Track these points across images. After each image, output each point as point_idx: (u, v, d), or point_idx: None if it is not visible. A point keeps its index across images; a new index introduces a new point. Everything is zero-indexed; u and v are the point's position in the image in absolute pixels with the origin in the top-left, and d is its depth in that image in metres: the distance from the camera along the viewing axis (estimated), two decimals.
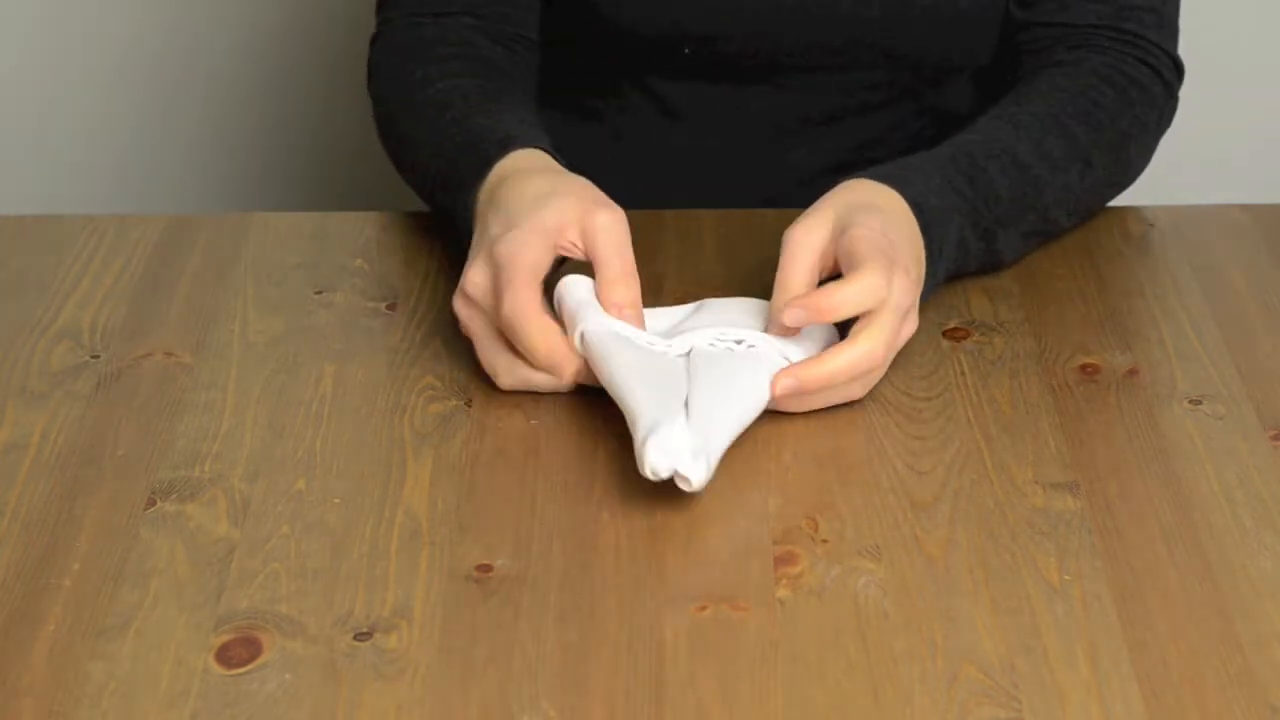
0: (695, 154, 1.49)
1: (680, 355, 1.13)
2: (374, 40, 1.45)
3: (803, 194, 1.42)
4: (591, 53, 1.48)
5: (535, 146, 1.26)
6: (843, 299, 1.14)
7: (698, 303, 1.21)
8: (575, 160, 1.44)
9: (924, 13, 1.41)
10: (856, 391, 1.15)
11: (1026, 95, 1.35)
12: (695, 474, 1.04)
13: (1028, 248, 1.30)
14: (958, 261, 1.25)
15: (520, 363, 1.15)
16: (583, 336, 1.13)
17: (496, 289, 1.15)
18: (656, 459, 1.03)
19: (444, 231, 1.31)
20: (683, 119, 1.48)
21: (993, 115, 1.33)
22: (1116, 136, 1.34)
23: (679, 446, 1.04)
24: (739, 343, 1.13)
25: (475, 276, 1.16)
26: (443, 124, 1.31)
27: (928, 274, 1.21)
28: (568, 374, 1.14)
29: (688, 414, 1.07)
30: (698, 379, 1.10)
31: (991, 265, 1.28)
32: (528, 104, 1.37)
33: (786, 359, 1.13)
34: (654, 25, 1.42)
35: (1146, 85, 1.37)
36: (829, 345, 1.15)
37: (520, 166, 1.24)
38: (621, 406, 1.09)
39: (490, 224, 1.19)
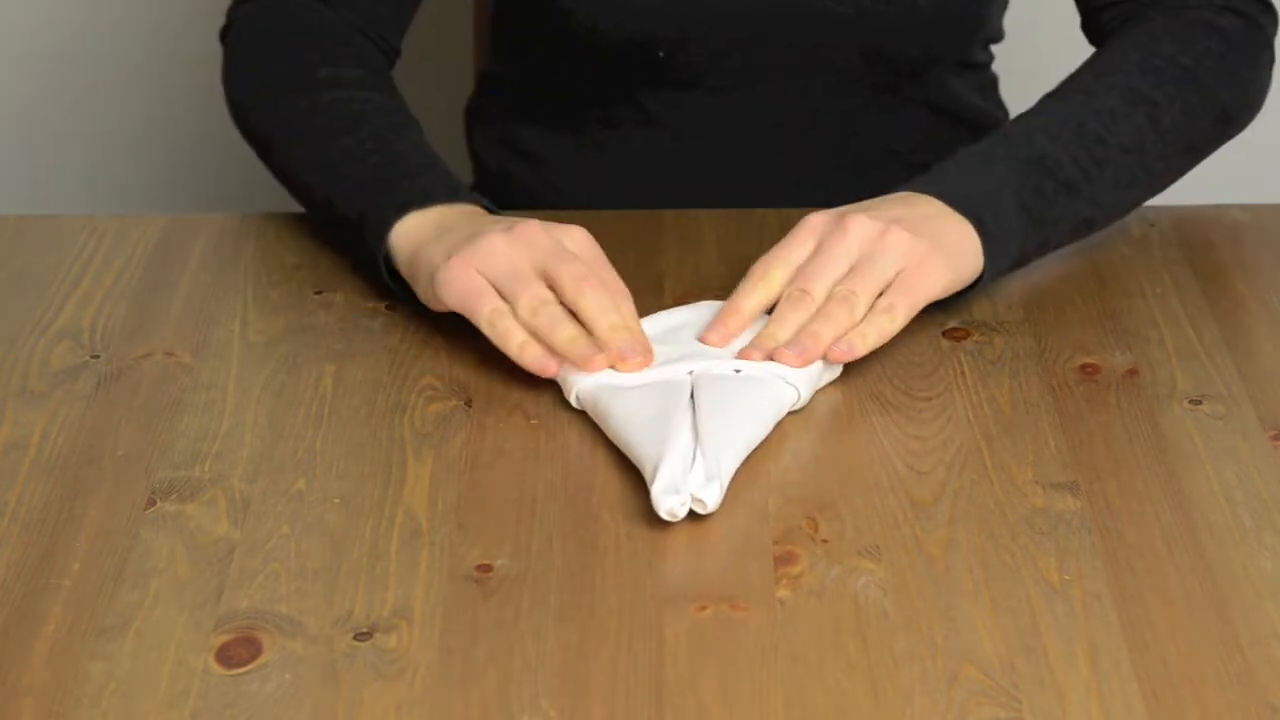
0: (679, 160, 1.48)
1: (681, 372, 1.13)
2: (240, 4, 1.41)
3: (791, 194, 1.42)
4: (568, 64, 1.48)
5: (479, 203, 1.25)
6: (737, 295, 1.16)
7: (698, 305, 1.21)
8: (560, 173, 1.44)
9: (899, 8, 1.41)
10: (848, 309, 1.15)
11: (1074, 72, 1.34)
12: (710, 497, 1.04)
13: (1129, 200, 1.30)
14: (1038, 235, 1.24)
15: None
16: (578, 398, 1.13)
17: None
18: (669, 503, 1.03)
19: None
20: (664, 126, 1.48)
21: (1040, 99, 1.33)
22: (1179, 72, 1.32)
23: (686, 480, 1.04)
24: (737, 371, 1.13)
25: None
26: (362, 134, 1.29)
27: (1001, 250, 1.21)
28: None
29: (700, 437, 1.07)
30: (706, 403, 1.10)
31: (1088, 226, 1.28)
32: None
33: (785, 380, 1.13)
34: (626, 30, 1.42)
35: (1213, 21, 1.36)
36: (825, 369, 1.15)
37: (473, 211, 1.23)
38: (630, 456, 1.09)
39: (476, 221, 1.18)
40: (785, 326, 1.15)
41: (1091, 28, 1.43)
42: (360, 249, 1.25)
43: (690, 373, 1.13)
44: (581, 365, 1.13)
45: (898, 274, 1.17)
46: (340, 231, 1.28)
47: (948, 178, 1.24)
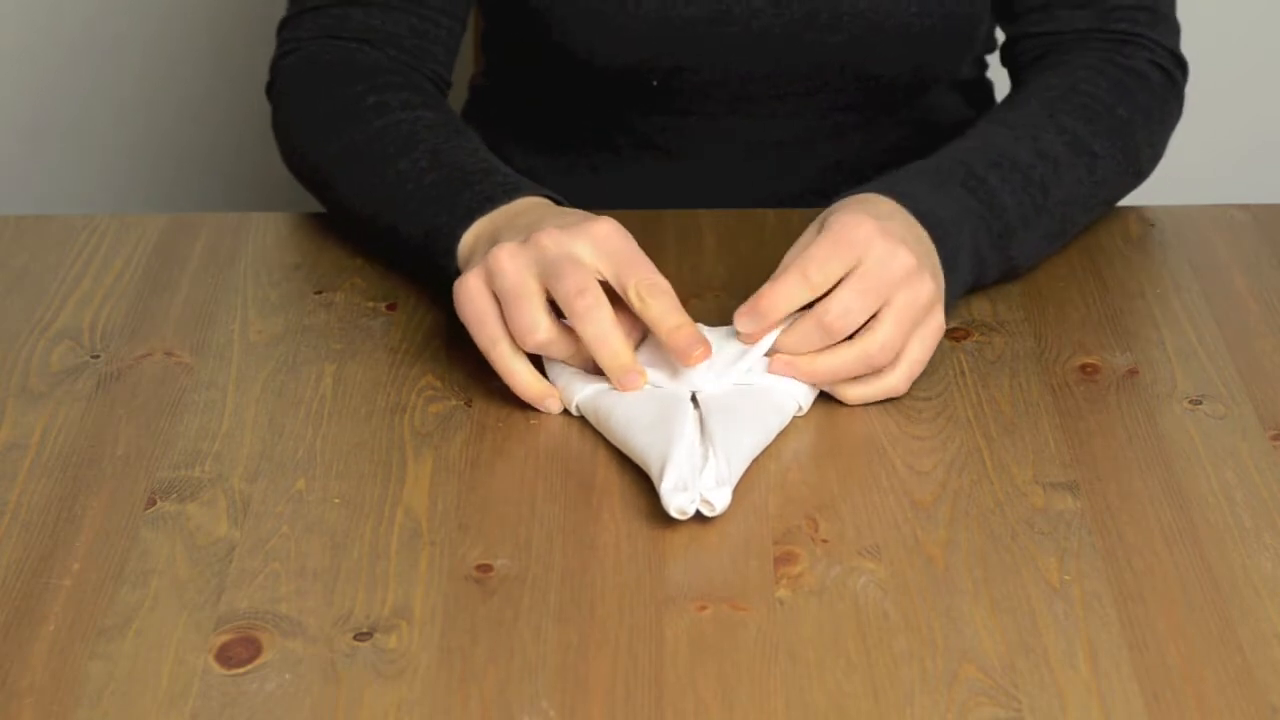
0: (673, 184, 1.48)
1: (680, 386, 1.13)
2: (283, 57, 1.40)
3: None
4: (562, 88, 1.47)
5: (540, 194, 1.23)
6: (778, 286, 1.12)
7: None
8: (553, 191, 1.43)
9: (892, 33, 1.40)
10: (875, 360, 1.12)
11: (1019, 97, 1.34)
12: (719, 500, 1.04)
13: (1047, 251, 1.28)
14: (975, 272, 1.23)
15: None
16: (578, 407, 1.13)
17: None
18: (679, 500, 1.04)
19: None
20: (658, 150, 1.48)
21: (987, 120, 1.31)
22: (1117, 123, 1.32)
23: (695, 478, 1.05)
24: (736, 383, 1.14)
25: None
26: (416, 152, 1.27)
27: (946, 287, 1.18)
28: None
29: (712, 441, 1.07)
30: (714, 410, 1.10)
31: (1009, 274, 1.26)
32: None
33: (786, 393, 1.13)
34: (620, 59, 1.41)
35: (1144, 73, 1.36)
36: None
37: (533, 204, 1.22)
38: (635, 459, 1.09)
39: (532, 222, 1.16)
40: (795, 345, 1.13)
41: (1009, 52, 1.43)
42: (430, 267, 1.24)
43: (691, 392, 1.13)
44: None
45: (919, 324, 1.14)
46: (407, 254, 1.26)
47: (921, 200, 1.20)
